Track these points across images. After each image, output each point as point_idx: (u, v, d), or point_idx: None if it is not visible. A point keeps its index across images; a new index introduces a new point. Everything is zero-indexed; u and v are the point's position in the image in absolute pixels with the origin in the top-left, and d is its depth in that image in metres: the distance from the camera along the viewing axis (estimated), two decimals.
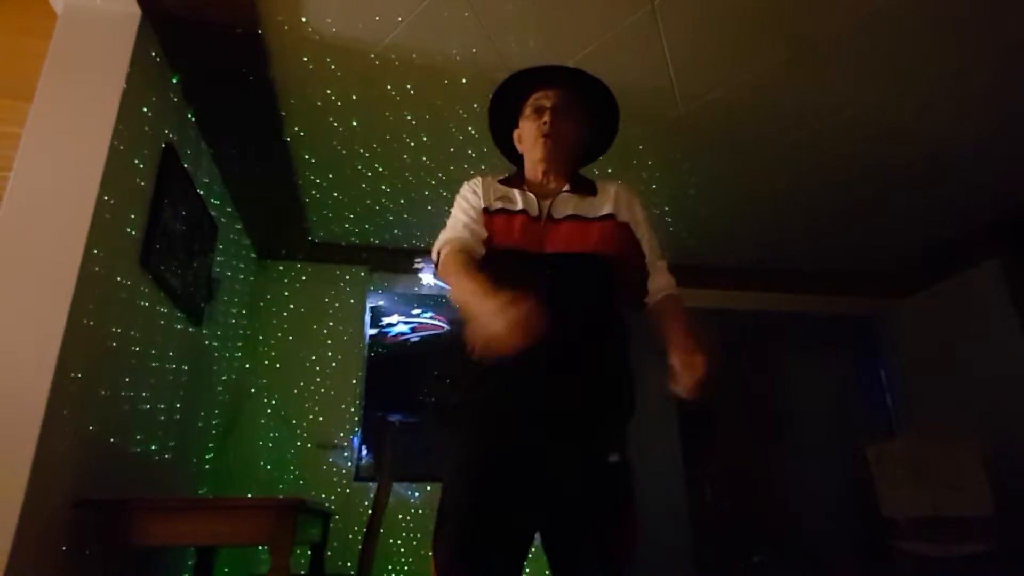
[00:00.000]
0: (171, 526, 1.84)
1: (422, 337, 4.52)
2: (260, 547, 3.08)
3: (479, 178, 1.52)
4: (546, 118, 1.47)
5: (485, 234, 1.41)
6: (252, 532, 1.87)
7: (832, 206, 3.58)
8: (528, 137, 1.51)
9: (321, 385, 3.74)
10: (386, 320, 4.48)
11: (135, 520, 1.80)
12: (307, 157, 3.05)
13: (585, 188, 1.48)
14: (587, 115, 1.55)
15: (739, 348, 5.34)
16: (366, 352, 4.06)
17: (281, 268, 3.95)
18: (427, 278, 4.07)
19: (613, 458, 1.24)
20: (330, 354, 3.82)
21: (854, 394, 4.85)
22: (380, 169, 3.17)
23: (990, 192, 3.45)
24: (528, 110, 1.52)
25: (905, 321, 4.50)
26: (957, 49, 2.43)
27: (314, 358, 3.79)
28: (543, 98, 1.50)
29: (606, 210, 1.44)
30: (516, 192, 1.46)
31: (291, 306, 3.89)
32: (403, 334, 4.54)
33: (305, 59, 2.43)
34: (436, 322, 4.51)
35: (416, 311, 4.51)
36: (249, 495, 3.30)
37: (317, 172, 3.19)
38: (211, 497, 3.10)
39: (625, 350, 1.39)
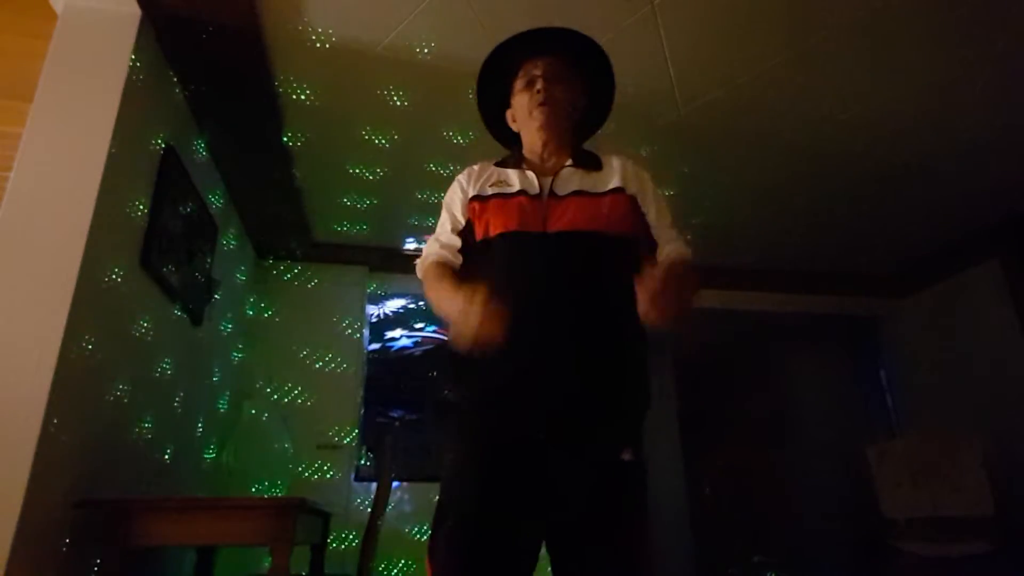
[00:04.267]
0: (171, 526, 1.84)
1: (424, 351, 4.52)
2: (260, 547, 3.07)
3: (476, 166, 1.46)
4: (539, 86, 1.39)
5: (458, 247, 1.38)
6: (252, 532, 1.87)
7: (832, 206, 3.57)
8: (522, 111, 1.43)
9: (321, 385, 3.74)
10: (389, 334, 4.48)
11: (135, 520, 1.80)
12: (307, 157, 3.05)
13: (590, 162, 1.39)
14: (582, 80, 1.47)
15: (739, 348, 5.34)
16: (366, 352, 4.06)
17: (281, 268, 3.95)
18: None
19: (625, 456, 1.14)
20: (330, 354, 3.81)
21: (854, 394, 4.85)
22: (380, 169, 3.17)
23: (990, 192, 3.45)
24: (519, 84, 1.44)
25: (905, 321, 4.50)
26: (958, 49, 2.43)
27: (314, 358, 3.79)
28: (533, 68, 1.42)
29: (614, 183, 1.33)
30: (513, 173, 1.38)
31: (291, 306, 3.89)
32: (406, 348, 4.54)
33: (305, 59, 2.43)
34: (439, 336, 4.50)
35: (419, 325, 4.50)
36: (249, 495, 3.30)
37: (317, 172, 3.19)
38: (211, 497, 3.10)
39: (639, 337, 1.27)
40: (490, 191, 1.37)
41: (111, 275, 2.01)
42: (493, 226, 1.32)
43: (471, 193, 1.39)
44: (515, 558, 1.12)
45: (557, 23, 2.29)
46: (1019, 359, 3.65)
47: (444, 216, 1.44)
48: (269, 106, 2.64)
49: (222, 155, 2.94)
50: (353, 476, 3.65)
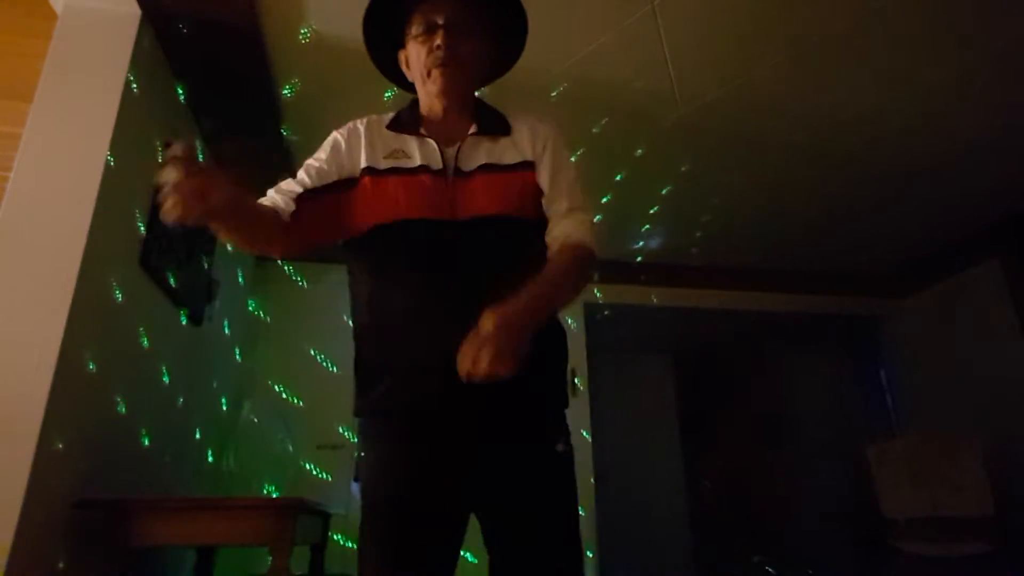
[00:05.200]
0: (171, 526, 1.84)
1: None
2: (260, 547, 3.07)
3: (361, 124, 1.22)
4: (438, 40, 1.14)
5: (292, 208, 1.15)
6: (252, 532, 1.87)
7: (832, 206, 3.57)
8: (417, 66, 1.19)
9: (321, 385, 3.74)
10: None
11: (135, 520, 1.80)
12: (307, 157, 3.04)
13: (496, 126, 1.18)
14: (488, 24, 1.21)
15: (739, 348, 5.35)
16: None
17: (281, 268, 3.95)
18: None
19: (560, 448, 1.08)
20: (330, 354, 3.81)
21: (854, 394, 4.85)
22: None
23: (990, 192, 3.45)
24: (415, 28, 1.18)
25: (905, 321, 4.50)
26: (957, 49, 2.43)
27: (314, 358, 3.79)
28: (432, 12, 1.16)
29: (526, 155, 1.14)
30: (412, 141, 1.16)
31: (291, 306, 3.89)
32: None
33: (305, 59, 2.42)
34: None
35: None
36: (249, 495, 3.30)
37: None
38: (211, 497, 3.10)
39: (558, 328, 1.14)
40: (384, 164, 1.15)
41: (111, 276, 2.01)
42: (391, 209, 1.10)
43: (361, 164, 1.16)
44: (440, 553, 1.04)
45: (557, 22, 2.30)
46: (1019, 359, 3.65)
47: (303, 171, 1.22)
48: (269, 106, 2.64)
49: (222, 155, 2.94)
50: (353, 476, 3.65)
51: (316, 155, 1.23)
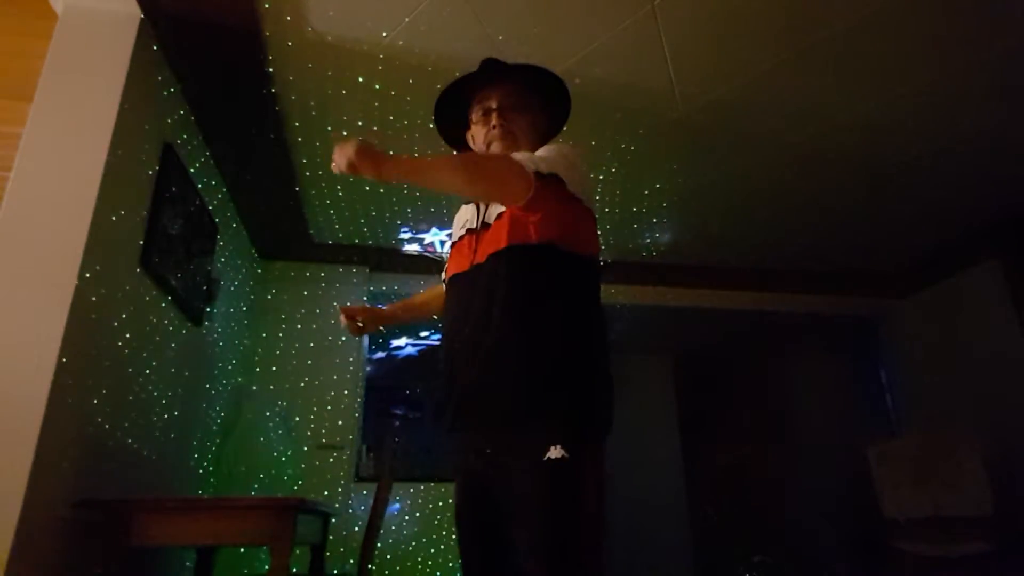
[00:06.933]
0: (171, 526, 1.84)
1: (422, 351, 4.53)
2: (260, 547, 3.08)
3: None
4: (494, 122, 1.40)
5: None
6: (252, 532, 1.87)
7: (832, 206, 3.57)
8: (480, 142, 1.45)
9: (321, 385, 3.74)
10: (395, 343, 4.49)
11: (135, 520, 1.80)
12: (307, 157, 3.05)
13: None
14: (537, 100, 1.47)
15: (739, 348, 5.35)
16: (366, 352, 4.06)
17: (281, 268, 3.95)
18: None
19: (553, 454, 1.10)
20: (330, 354, 3.82)
21: (854, 394, 4.85)
22: None
23: (990, 192, 3.45)
24: (475, 115, 1.47)
25: (905, 321, 4.50)
26: (957, 49, 2.43)
27: (314, 358, 3.79)
28: (486, 100, 1.44)
29: None
30: (470, 209, 1.41)
31: (291, 306, 3.89)
32: (411, 356, 4.55)
33: (305, 58, 2.43)
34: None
35: (424, 333, 4.51)
36: (249, 495, 3.30)
37: (317, 172, 3.19)
38: (211, 497, 3.10)
39: (558, 339, 1.21)
40: (455, 236, 1.45)
41: (111, 276, 2.01)
42: (447, 273, 1.43)
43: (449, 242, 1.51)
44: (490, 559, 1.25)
45: (557, 22, 2.30)
46: (1019, 359, 3.65)
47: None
48: (269, 106, 2.64)
49: (222, 155, 2.94)
50: (353, 476, 3.65)
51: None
